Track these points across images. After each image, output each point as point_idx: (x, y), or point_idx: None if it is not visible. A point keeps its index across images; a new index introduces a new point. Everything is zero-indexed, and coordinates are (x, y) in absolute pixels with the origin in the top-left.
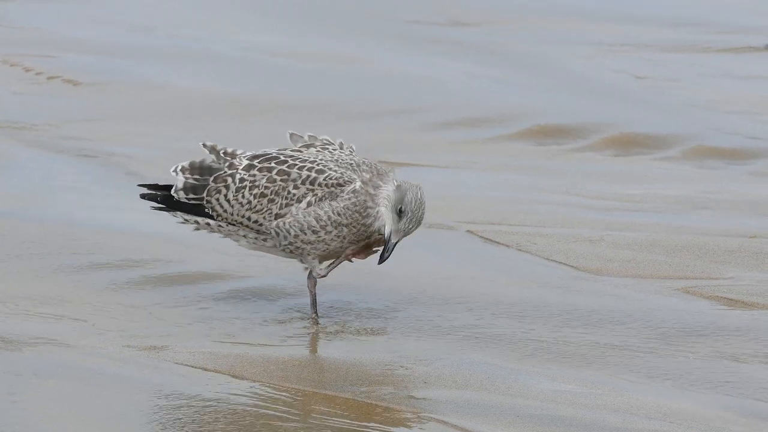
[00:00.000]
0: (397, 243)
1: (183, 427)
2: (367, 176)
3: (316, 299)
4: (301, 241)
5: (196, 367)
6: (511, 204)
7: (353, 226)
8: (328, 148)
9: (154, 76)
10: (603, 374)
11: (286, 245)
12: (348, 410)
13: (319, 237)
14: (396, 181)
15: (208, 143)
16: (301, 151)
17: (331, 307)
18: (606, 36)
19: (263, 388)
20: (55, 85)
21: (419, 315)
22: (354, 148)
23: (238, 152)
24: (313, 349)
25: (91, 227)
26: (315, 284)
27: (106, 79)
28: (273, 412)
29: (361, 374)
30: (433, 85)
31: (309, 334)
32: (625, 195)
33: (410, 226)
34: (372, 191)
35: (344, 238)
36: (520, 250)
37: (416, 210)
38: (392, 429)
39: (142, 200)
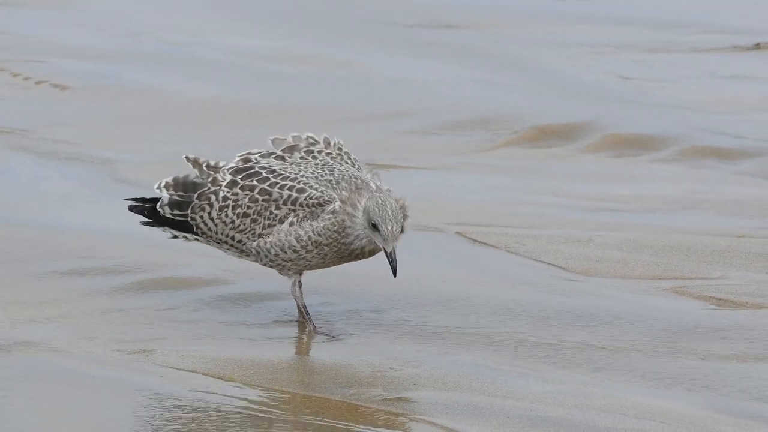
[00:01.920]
0: (393, 250)
1: (173, 429)
2: (346, 194)
3: (307, 308)
4: (282, 259)
5: (185, 370)
6: (500, 206)
7: (333, 246)
8: (313, 151)
9: (142, 81)
10: (592, 375)
11: (267, 262)
12: (338, 412)
13: (300, 255)
14: (366, 199)
15: (191, 156)
16: (285, 159)
17: (320, 309)
18: (589, 38)
19: (253, 390)
20: (42, 89)
21: (408, 317)
22: (342, 143)
23: (221, 165)
24: (302, 352)
25: (79, 232)
26: (301, 294)
27: (93, 83)
28: (263, 415)
29: (351, 376)
30: (422, 88)
31: (297, 337)
32: (614, 196)
33: (389, 228)
34: (351, 210)
35: (326, 255)
36: (509, 251)
37: (383, 214)
38: (382, 431)
39: (131, 210)
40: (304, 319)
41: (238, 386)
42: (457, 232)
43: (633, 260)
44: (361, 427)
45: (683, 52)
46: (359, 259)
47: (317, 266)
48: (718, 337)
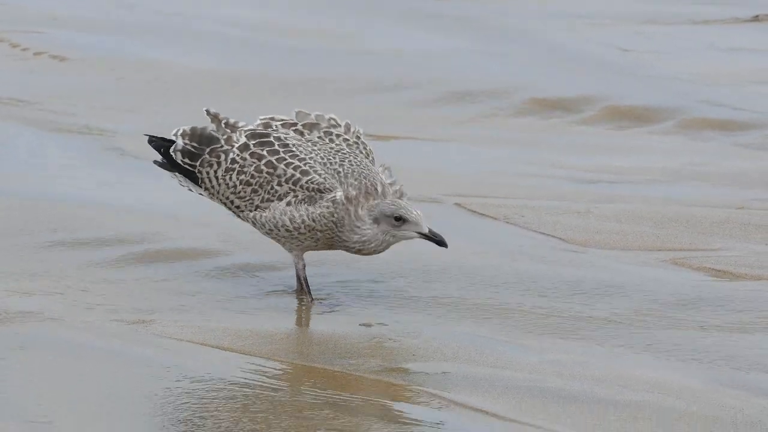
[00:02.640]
0: (427, 230)
1: (171, 398)
2: (354, 193)
3: (308, 281)
4: (276, 234)
5: (183, 341)
6: (499, 177)
7: (327, 234)
8: (332, 133)
9: (141, 52)
10: (591, 346)
11: (264, 233)
12: (337, 383)
13: (292, 235)
14: (369, 210)
15: (212, 110)
16: (302, 134)
17: (320, 281)
18: (587, 9)
19: (252, 360)
20: (41, 60)
21: (407, 288)
22: (361, 132)
23: (240, 125)
24: (302, 323)
25: (78, 203)
26: (304, 267)
27: (92, 55)
28: (262, 384)
29: (350, 347)
30: (419, 59)
31: (296, 308)
32: (613, 167)
33: (416, 213)
34: (358, 212)
35: (318, 240)
36: (507, 222)
37: (399, 205)
38: (381, 401)
39: (150, 143)
40: (302, 290)
41: (237, 356)
42: (456, 204)
43: (632, 231)
44: (361, 397)
45: (682, 24)
46: (350, 251)
47: (309, 248)
48: (717, 308)
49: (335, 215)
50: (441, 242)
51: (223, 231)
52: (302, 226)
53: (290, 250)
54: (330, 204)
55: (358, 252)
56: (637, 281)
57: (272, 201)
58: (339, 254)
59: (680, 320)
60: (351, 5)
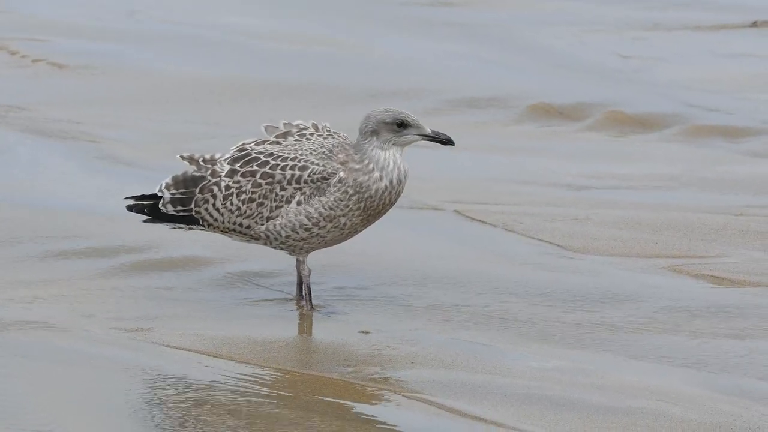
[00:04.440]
0: (429, 130)
1: (169, 406)
2: (342, 156)
3: (310, 288)
4: (293, 239)
5: (182, 349)
6: (498, 184)
7: (354, 213)
8: (305, 134)
9: (140, 60)
10: (589, 353)
11: (277, 245)
12: (335, 390)
13: (312, 233)
14: (360, 138)
15: (185, 155)
16: (279, 143)
17: (317, 288)
18: (586, 15)
19: (250, 368)
20: (40, 68)
21: (405, 295)
22: (329, 126)
23: (217, 157)
24: (299, 331)
25: (77, 211)
26: (309, 273)
27: (91, 62)
28: (260, 392)
29: (348, 355)
30: (420, 67)
31: (295, 315)
32: (612, 174)
33: (412, 116)
34: (357, 165)
35: (344, 227)
36: (506, 229)
37: (393, 110)
38: (379, 409)
39: (129, 210)
40: (303, 296)
41: (235, 364)
42: (455, 210)
43: (630, 238)
44: (359, 405)
45: (680, 30)
46: (385, 211)
47: (333, 241)
48: (715, 315)
49: (352, 188)
50: (447, 140)
51: (220, 240)
52: (321, 219)
53: (298, 254)
54: (339, 185)
55: (392, 189)
56: (635, 288)
57: (281, 207)
58: (337, 260)
59: (679, 327)
60: (351, 14)
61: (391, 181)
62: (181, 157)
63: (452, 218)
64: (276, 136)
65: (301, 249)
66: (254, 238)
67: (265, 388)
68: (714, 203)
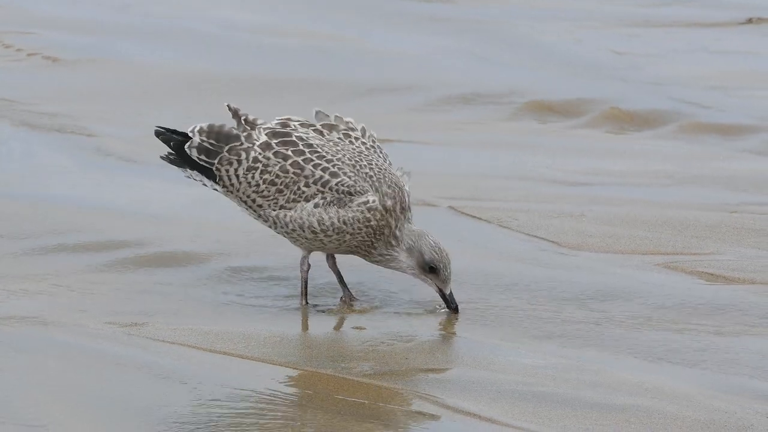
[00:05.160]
0: (449, 291)
1: (165, 401)
2: (390, 203)
3: (306, 284)
4: (297, 235)
5: (177, 344)
6: (493, 180)
7: (356, 237)
8: (350, 135)
9: (134, 54)
10: (583, 349)
11: (281, 232)
12: (329, 386)
13: (317, 237)
14: (412, 237)
15: (233, 105)
16: (323, 135)
17: (314, 283)
18: (579, 12)
19: (244, 363)
20: (34, 61)
21: (400, 291)
22: (375, 136)
23: (259, 122)
24: (294, 327)
25: (69, 206)
26: (308, 269)
27: (85, 56)
28: (254, 388)
29: (343, 350)
30: (415, 63)
31: (290, 311)
32: (607, 171)
33: (450, 271)
34: (395, 232)
35: (343, 242)
36: (501, 225)
37: (442, 257)
38: (374, 404)
39: (157, 136)
40: (302, 291)
41: (229, 360)
42: (450, 207)
43: (625, 235)
44: (353, 400)
45: (674, 27)
46: (365, 258)
47: (329, 250)
48: (710, 312)
49: (371, 222)
50: (455, 309)
51: (216, 235)
52: (331, 228)
53: (299, 247)
54: (364, 209)
55: (374, 262)
56: (629, 285)
57: (298, 202)
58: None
59: (673, 324)
60: (346, 8)
61: (380, 262)
62: (227, 106)
63: (447, 214)
64: (322, 125)
65: (301, 245)
66: (262, 218)
67: (258, 384)
68: (709, 200)
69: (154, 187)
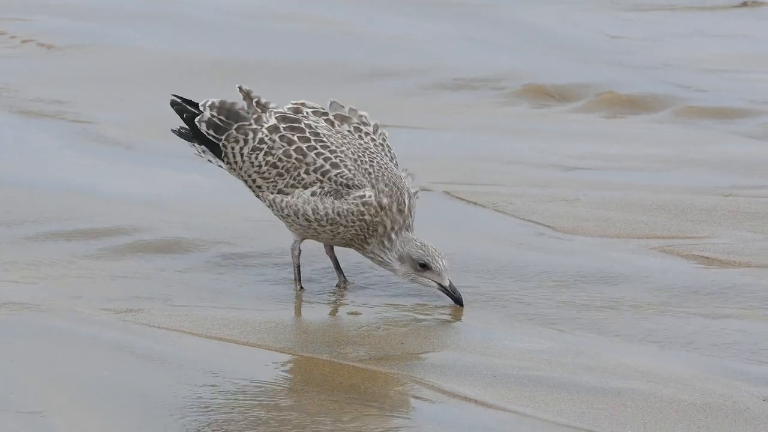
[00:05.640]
0: (451, 282)
1: (160, 386)
2: (386, 201)
3: (300, 269)
4: (291, 220)
5: (172, 330)
6: (488, 164)
7: (352, 231)
8: (361, 130)
9: (130, 40)
10: (579, 334)
11: (277, 214)
12: (325, 371)
13: (311, 226)
14: (399, 243)
15: (245, 87)
16: (333, 125)
17: (309, 268)
18: None
19: (240, 349)
20: (29, 48)
21: (396, 277)
22: (387, 135)
23: (270, 106)
24: (290, 312)
25: (67, 192)
26: (299, 254)
27: (80, 42)
28: (249, 373)
29: (339, 336)
30: (409, 47)
31: (285, 296)
32: (602, 155)
33: (442, 263)
34: (391, 234)
35: (337, 234)
36: (496, 210)
37: (428, 252)
38: (370, 389)
39: (172, 105)
40: (296, 277)
41: (224, 345)
42: (445, 191)
43: (620, 219)
44: (348, 385)
45: (669, 10)
46: (364, 255)
47: (324, 240)
48: (705, 296)
49: (365, 216)
50: (458, 300)
51: (210, 221)
52: (324, 218)
53: (293, 233)
54: (359, 203)
55: (368, 258)
56: (625, 269)
57: (297, 188)
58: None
59: (669, 308)
60: None
61: (380, 265)
62: (239, 87)
63: (442, 199)
64: (334, 115)
65: (295, 231)
66: (260, 199)
67: (254, 369)
68: (704, 184)
69: (149, 173)
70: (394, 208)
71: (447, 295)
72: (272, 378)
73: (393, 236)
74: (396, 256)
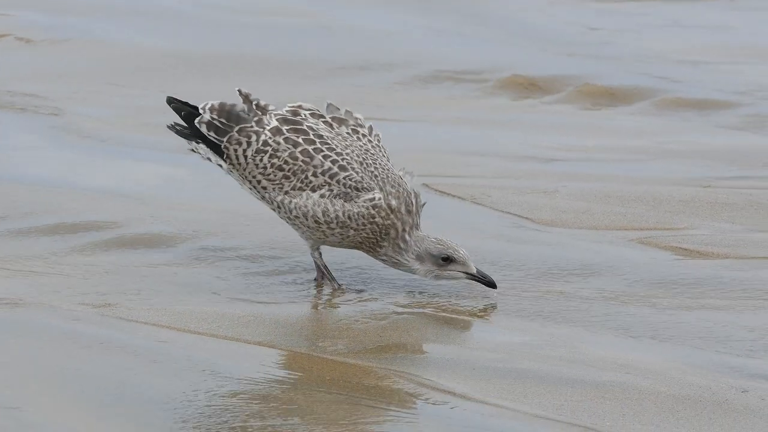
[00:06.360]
0: (477, 269)
1: (137, 380)
2: (395, 203)
3: (327, 268)
4: (300, 222)
5: (150, 324)
6: (467, 157)
7: (360, 233)
8: (358, 132)
9: (109, 34)
10: (557, 326)
11: (285, 218)
12: (303, 365)
13: (320, 228)
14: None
15: (244, 90)
16: (332, 127)
17: (288, 262)
18: None
19: (218, 342)
20: (7, 42)
21: (373, 269)
22: (380, 136)
23: (270, 108)
24: (268, 306)
25: (46, 186)
26: (320, 255)
27: (59, 36)
28: (227, 367)
29: (317, 329)
30: (388, 40)
31: (264, 291)
32: (581, 147)
33: (463, 253)
34: (405, 236)
35: (346, 237)
36: (474, 202)
37: (447, 245)
38: (348, 382)
39: (169, 103)
40: (323, 278)
41: (202, 339)
42: (424, 184)
43: (599, 211)
44: (327, 379)
45: (647, 1)
46: (378, 260)
47: (331, 243)
48: (684, 287)
49: (376, 219)
50: (491, 283)
51: (188, 215)
52: (334, 221)
53: (307, 239)
54: (369, 206)
55: (380, 260)
56: (603, 261)
57: (304, 190)
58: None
59: (647, 300)
60: None
61: (397, 267)
62: (239, 91)
63: (421, 191)
64: (332, 118)
65: (303, 233)
66: (265, 200)
67: (231, 362)
68: (683, 175)
69: (127, 166)
70: (403, 209)
71: (478, 281)
72: (249, 372)
73: (407, 237)
74: (413, 257)
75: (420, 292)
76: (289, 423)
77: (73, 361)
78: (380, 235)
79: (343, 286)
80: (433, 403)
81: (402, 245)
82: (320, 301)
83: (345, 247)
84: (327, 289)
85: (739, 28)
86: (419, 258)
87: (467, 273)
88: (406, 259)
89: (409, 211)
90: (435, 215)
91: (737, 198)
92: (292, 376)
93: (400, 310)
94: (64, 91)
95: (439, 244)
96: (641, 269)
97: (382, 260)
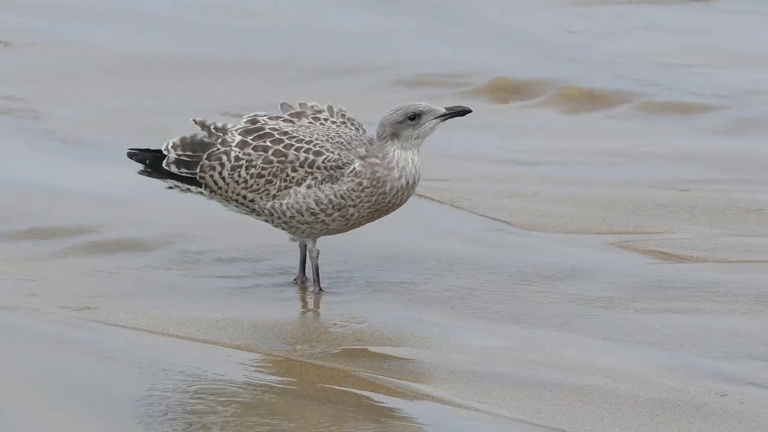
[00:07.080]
0: (444, 109)
1: (118, 384)
2: (363, 150)
3: (318, 271)
4: (297, 221)
5: (129, 327)
6: (445, 160)
7: (365, 203)
8: (319, 118)
9: (86, 36)
10: (536, 330)
11: (280, 224)
12: (281, 369)
13: (318, 218)
14: (381, 134)
15: (198, 119)
16: (293, 122)
17: (269, 264)
18: None
19: (195, 345)
20: None
21: (352, 273)
22: (345, 111)
23: (229, 126)
24: (246, 309)
25: (23, 190)
26: (317, 255)
27: (36, 39)
28: (206, 370)
29: (295, 333)
30: (372, 43)
31: (241, 294)
32: (560, 150)
33: (424, 104)
34: (378, 161)
35: (351, 217)
36: (453, 206)
37: (404, 105)
38: (325, 386)
39: (130, 157)
40: (315, 279)
41: (180, 342)
42: None
43: (577, 215)
44: (304, 383)
45: (625, 4)
46: (393, 209)
47: (337, 230)
48: (663, 291)
49: (368, 180)
50: (463, 111)
51: (166, 218)
52: (329, 206)
53: (306, 237)
54: (353, 177)
55: (406, 190)
56: (582, 265)
57: (290, 187)
58: (288, 242)
59: (626, 304)
60: None
61: (408, 182)
62: (194, 120)
63: None
64: (289, 115)
65: (303, 232)
66: (256, 212)
67: (211, 366)
68: (661, 179)
69: (104, 170)
70: (371, 148)
71: (453, 116)
72: (228, 375)
73: (378, 152)
74: (393, 147)
75: (399, 296)
76: (265, 423)
77: (52, 365)
78: (379, 186)
79: (325, 290)
80: (411, 407)
81: (384, 157)
82: (299, 305)
83: (354, 227)
84: (306, 293)
85: (717, 32)
86: (393, 138)
87: (439, 116)
88: (394, 153)
89: (370, 141)
90: (413, 218)
91: (716, 202)
92: (269, 380)
93: (378, 314)
94: (40, 93)
95: (399, 109)
96: (620, 273)
97: (405, 185)
